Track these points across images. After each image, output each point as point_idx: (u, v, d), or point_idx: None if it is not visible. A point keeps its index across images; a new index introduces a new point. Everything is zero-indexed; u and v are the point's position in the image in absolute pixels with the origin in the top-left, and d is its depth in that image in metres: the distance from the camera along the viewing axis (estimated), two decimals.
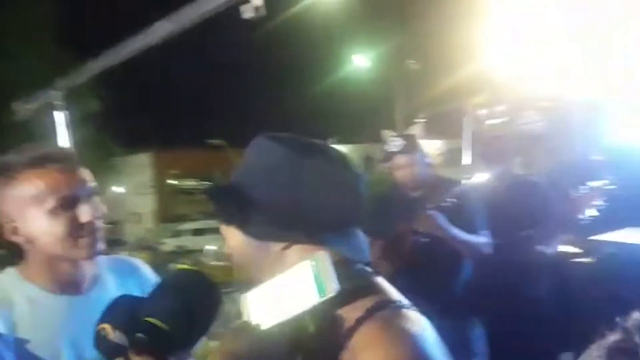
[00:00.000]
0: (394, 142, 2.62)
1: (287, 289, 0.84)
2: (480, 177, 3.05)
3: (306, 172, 0.90)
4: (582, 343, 0.72)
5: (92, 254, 1.23)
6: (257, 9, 1.99)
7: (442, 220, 2.39)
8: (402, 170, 2.60)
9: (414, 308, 0.88)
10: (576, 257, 2.62)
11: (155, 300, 0.92)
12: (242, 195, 0.91)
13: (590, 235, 2.58)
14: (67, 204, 1.18)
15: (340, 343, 0.82)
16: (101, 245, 1.22)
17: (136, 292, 1.33)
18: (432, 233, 2.39)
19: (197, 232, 22.06)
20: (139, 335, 0.87)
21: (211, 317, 0.93)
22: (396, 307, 0.85)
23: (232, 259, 0.97)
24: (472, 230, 2.49)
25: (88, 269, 1.27)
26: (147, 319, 0.88)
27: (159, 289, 0.94)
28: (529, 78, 3.85)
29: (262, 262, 0.93)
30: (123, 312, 0.92)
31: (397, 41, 18.36)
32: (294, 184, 0.89)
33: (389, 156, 2.63)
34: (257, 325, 0.84)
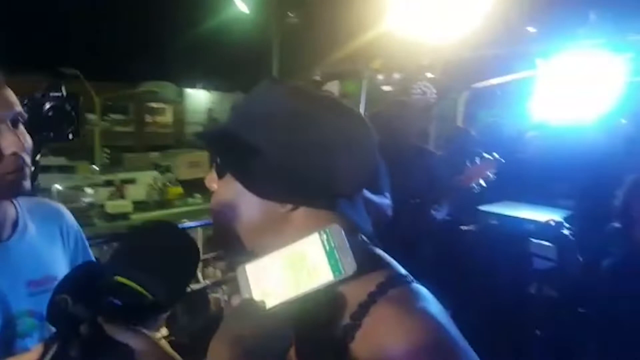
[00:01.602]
0: None
1: (294, 264, 0.75)
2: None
3: (322, 125, 0.79)
4: (462, 301, 0.74)
5: (16, 193, 1.02)
6: None
7: None
8: None
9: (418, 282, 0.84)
10: (464, 225, 2.82)
11: (123, 259, 0.78)
12: (249, 143, 0.79)
13: (479, 205, 2.79)
14: None
15: (352, 321, 0.75)
16: (27, 184, 1.01)
17: (59, 241, 1.15)
18: None
19: (43, 169, 20.21)
20: (111, 299, 0.74)
21: (188, 274, 0.82)
22: (407, 282, 0.79)
23: (219, 218, 0.84)
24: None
25: (7, 212, 1.07)
26: (119, 279, 0.75)
27: (127, 245, 0.81)
28: (426, 45, 3.97)
29: (261, 224, 0.81)
30: (85, 280, 0.78)
31: None
32: (309, 137, 0.78)
33: None
34: (262, 303, 0.74)
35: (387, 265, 0.83)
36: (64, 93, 1.31)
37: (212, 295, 3.65)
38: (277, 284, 0.75)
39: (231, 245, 0.85)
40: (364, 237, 0.86)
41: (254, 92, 0.85)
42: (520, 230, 2.66)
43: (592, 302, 2.33)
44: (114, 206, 16.66)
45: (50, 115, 1.27)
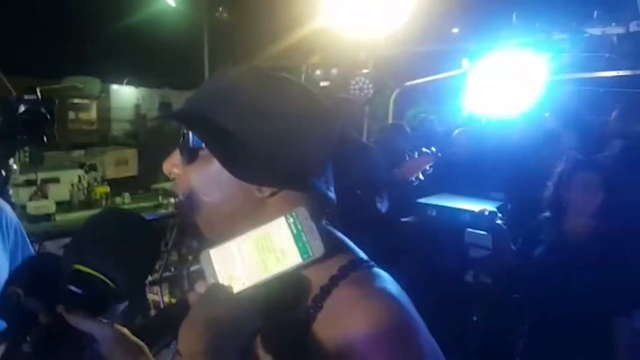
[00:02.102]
0: None
1: (261, 247, 0.74)
2: None
3: (291, 105, 0.79)
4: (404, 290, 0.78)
5: None
6: None
7: None
8: None
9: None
10: (404, 217, 2.89)
11: (81, 248, 0.75)
12: (228, 125, 0.77)
13: (418, 198, 2.87)
14: None
15: (314, 303, 0.75)
16: None
17: None
18: None
19: None
20: (71, 288, 0.70)
21: (148, 262, 0.79)
22: (369, 266, 0.80)
23: (190, 204, 0.81)
24: None
25: None
26: (78, 267, 0.72)
27: (84, 234, 0.77)
28: (361, 40, 4.03)
29: (236, 210, 0.79)
30: (38, 271, 0.73)
31: None
32: (281, 119, 0.77)
33: None
34: (230, 287, 0.73)
35: (349, 249, 0.84)
36: (39, 96, 1.26)
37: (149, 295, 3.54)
38: (243, 268, 0.74)
39: (202, 232, 0.83)
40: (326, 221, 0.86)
41: (218, 77, 0.83)
42: (457, 221, 2.76)
43: (524, 288, 2.46)
44: (35, 207, 15.79)
45: (25, 119, 1.21)
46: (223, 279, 0.74)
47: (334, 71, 3.86)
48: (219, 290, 0.72)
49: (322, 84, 3.97)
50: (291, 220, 0.74)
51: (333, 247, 0.79)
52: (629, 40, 3.34)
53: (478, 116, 3.80)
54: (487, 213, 2.64)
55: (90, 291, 0.71)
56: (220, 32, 19.28)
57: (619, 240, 2.29)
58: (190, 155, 0.82)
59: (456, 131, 4.10)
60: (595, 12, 5.77)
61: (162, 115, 1.00)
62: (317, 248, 0.72)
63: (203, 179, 0.80)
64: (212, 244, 0.77)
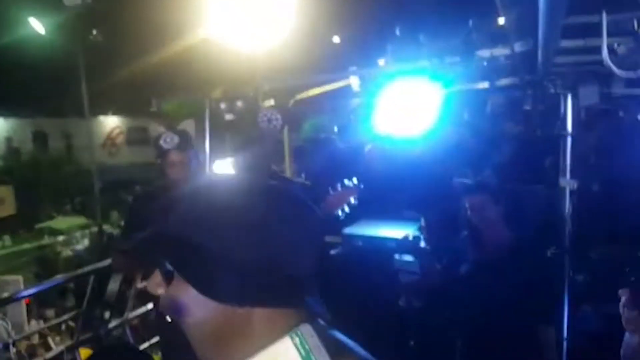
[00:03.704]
0: (168, 138, 2.47)
1: None
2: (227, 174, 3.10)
3: (267, 216, 0.75)
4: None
5: None
6: None
7: None
8: (176, 168, 2.48)
9: None
10: (334, 249, 2.92)
11: None
12: (198, 244, 0.73)
13: (343, 229, 2.90)
14: None
15: None
16: None
17: None
18: None
19: None
20: None
21: None
22: None
23: (175, 326, 0.78)
24: None
25: None
26: None
27: None
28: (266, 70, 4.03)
29: (220, 329, 0.75)
30: None
31: (78, 8, 16.70)
32: (258, 231, 0.74)
33: (163, 153, 2.47)
34: None
35: (352, 351, 0.81)
36: None
37: None
38: None
39: (198, 355, 0.79)
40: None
41: (188, 190, 0.80)
42: (384, 248, 2.83)
43: (454, 305, 2.58)
44: None
45: None
46: None
47: (239, 103, 3.82)
48: None
49: (228, 117, 3.91)
50: (297, 340, 0.72)
51: (337, 351, 0.76)
52: (513, 59, 3.66)
53: (383, 134, 3.94)
54: (411, 238, 2.74)
55: None
56: (96, 55, 18.36)
57: (524, 248, 2.51)
58: (167, 276, 0.78)
59: (367, 147, 4.20)
60: (471, 21, 6.22)
61: (133, 243, 0.88)
62: None
63: (183, 300, 0.76)
64: None
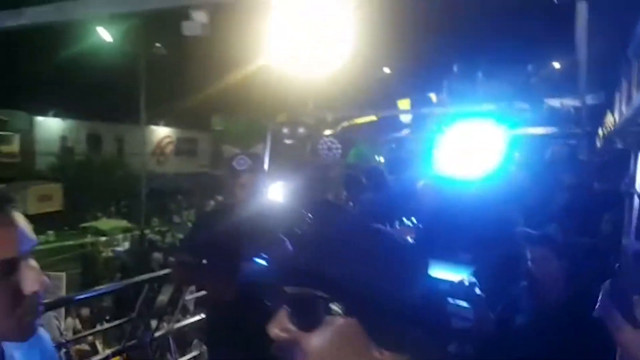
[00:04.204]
0: (240, 160, 2.54)
1: None
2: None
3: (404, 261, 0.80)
4: None
5: (29, 336, 0.87)
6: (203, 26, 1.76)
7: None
8: (245, 189, 2.54)
9: None
10: None
11: None
12: (372, 288, 0.75)
13: None
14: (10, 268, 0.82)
15: None
16: (39, 322, 0.86)
17: None
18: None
19: None
20: None
21: None
22: None
23: None
24: None
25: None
26: None
27: None
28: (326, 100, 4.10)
29: None
30: None
31: (144, 19, 17.38)
32: (407, 279, 0.78)
33: (235, 174, 2.54)
34: None
35: None
36: None
37: None
38: None
39: None
40: None
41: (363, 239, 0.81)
42: (437, 290, 2.79)
43: (507, 356, 2.52)
44: None
45: None
46: None
47: (300, 130, 3.90)
48: None
49: (287, 141, 3.98)
50: None
51: None
52: (582, 110, 3.63)
53: (440, 173, 3.92)
54: (467, 283, 2.70)
55: None
56: (157, 68, 19.01)
57: (583, 305, 2.43)
58: (312, 321, 0.78)
59: (420, 183, 4.18)
60: (530, 66, 6.16)
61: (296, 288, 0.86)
62: None
63: (329, 347, 0.76)
64: None
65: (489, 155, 3.71)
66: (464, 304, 2.74)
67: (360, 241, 0.81)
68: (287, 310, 0.79)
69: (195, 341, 3.85)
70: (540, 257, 2.52)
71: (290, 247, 2.44)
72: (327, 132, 4.03)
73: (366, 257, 0.78)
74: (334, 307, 0.76)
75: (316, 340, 0.76)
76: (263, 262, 2.42)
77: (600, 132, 4.16)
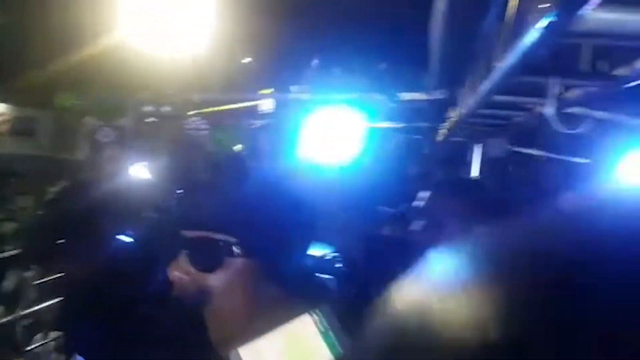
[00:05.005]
0: (104, 132, 2.42)
1: (290, 345, 0.80)
2: None
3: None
4: None
5: None
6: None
7: None
8: (111, 163, 2.43)
9: None
10: None
11: None
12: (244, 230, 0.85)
13: None
14: None
15: None
16: None
17: None
18: None
19: None
20: None
21: None
22: None
23: (210, 302, 0.83)
24: None
25: None
26: None
27: None
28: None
29: (247, 312, 0.87)
30: None
31: None
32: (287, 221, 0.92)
33: (99, 146, 2.41)
34: None
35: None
36: None
37: None
38: None
39: (211, 335, 0.85)
40: None
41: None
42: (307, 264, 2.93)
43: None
44: None
45: None
46: None
47: (166, 108, 3.78)
48: None
49: (149, 119, 3.85)
50: (316, 317, 0.81)
51: None
52: (432, 104, 4.00)
53: (309, 159, 4.08)
54: (329, 257, 2.88)
55: None
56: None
57: None
58: (212, 263, 0.84)
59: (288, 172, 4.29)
60: (381, 65, 6.61)
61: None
62: (346, 344, 0.81)
63: (229, 286, 0.85)
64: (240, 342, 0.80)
65: (349, 143, 3.94)
66: (327, 276, 2.91)
67: (260, 192, 0.88)
68: (187, 253, 0.84)
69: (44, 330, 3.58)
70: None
71: (157, 223, 2.40)
72: (194, 112, 3.97)
73: (266, 206, 0.85)
74: (235, 249, 0.83)
75: (216, 280, 0.83)
76: (128, 239, 2.35)
77: (444, 125, 4.63)
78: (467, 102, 3.17)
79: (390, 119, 4.70)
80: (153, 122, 3.85)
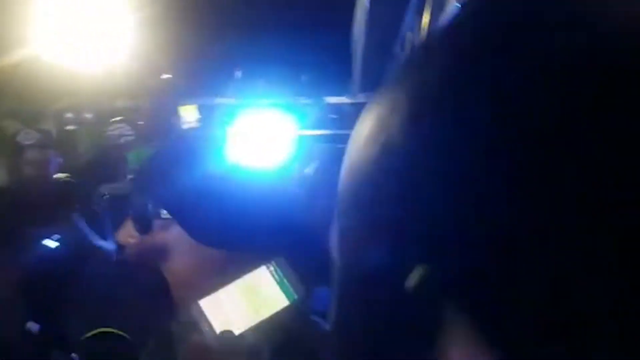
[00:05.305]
0: (26, 134, 2.33)
1: (248, 294, 0.83)
2: None
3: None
4: None
5: None
6: None
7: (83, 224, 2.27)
8: (34, 166, 2.33)
9: None
10: None
11: None
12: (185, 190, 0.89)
13: None
14: None
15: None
16: None
17: None
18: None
19: None
20: None
21: None
22: None
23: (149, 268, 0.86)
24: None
25: None
26: None
27: None
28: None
29: (203, 268, 0.88)
30: None
31: None
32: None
33: (20, 149, 2.31)
34: (231, 332, 0.80)
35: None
36: None
37: None
38: (236, 315, 0.83)
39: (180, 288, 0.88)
40: None
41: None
42: None
43: None
44: None
45: None
46: (217, 327, 0.81)
47: (87, 115, 3.66)
48: (227, 337, 0.79)
49: (69, 127, 3.72)
50: (272, 268, 0.86)
51: None
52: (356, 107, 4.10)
53: (236, 165, 4.09)
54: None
55: None
56: None
57: None
58: (146, 225, 0.87)
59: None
60: (303, 77, 6.74)
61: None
62: (301, 289, 0.86)
63: (162, 245, 0.88)
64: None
65: (278, 146, 3.99)
66: None
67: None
68: (131, 218, 0.89)
69: None
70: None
71: (83, 225, 2.34)
72: (118, 118, 3.87)
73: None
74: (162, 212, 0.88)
75: (157, 239, 0.86)
76: (54, 244, 2.28)
77: None
78: None
79: (321, 125, 4.79)
80: (74, 129, 3.74)
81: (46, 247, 2.34)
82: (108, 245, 2.19)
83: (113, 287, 0.92)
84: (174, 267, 0.88)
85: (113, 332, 0.78)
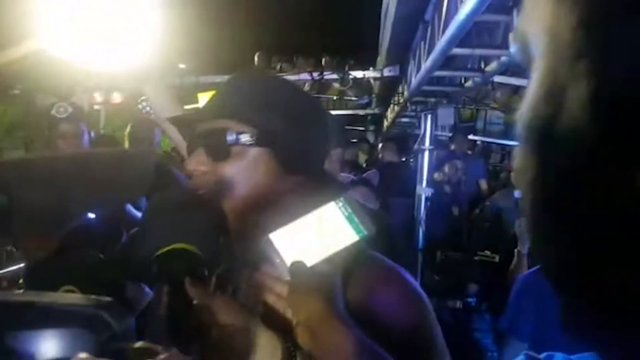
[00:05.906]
0: (60, 107, 2.33)
1: (318, 229, 0.83)
2: None
3: (318, 108, 0.96)
4: None
5: None
6: None
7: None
8: (68, 140, 2.33)
9: None
10: None
11: None
12: (276, 122, 0.87)
13: None
14: None
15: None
16: None
17: None
18: None
19: None
20: None
21: None
22: None
23: (220, 195, 0.86)
24: None
25: None
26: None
27: None
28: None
29: (273, 197, 0.87)
30: None
31: None
32: (314, 118, 0.92)
33: (55, 123, 2.32)
34: (304, 264, 0.81)
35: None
36: None
37: None
38: (306, 248, 0.83)
39: (231, 222, 0.88)
40: None
41: (255, 83, 0.93)
42: None
43: None
44: None
45: None
46: (288, 260, 0.82)
47: (116, 95, 3.68)
48: (299, 268, 0.79)
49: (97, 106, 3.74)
50: (340, 204, 0.85)
51: None
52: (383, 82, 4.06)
53: None
54: None
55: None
56: None
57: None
58: (223, 152, 0.87)
59: None
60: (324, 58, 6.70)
61: (198, 114, 1.02)
62: (369, 226, 0.86)
63: (240, 172, 0.87)
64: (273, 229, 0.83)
65: None
66: None
67: None
68: (202, 146, 0.88)
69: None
70: (361, 194, 2.85)
71: (122, 198, 2.35)
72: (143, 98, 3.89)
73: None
74: (243, 138, 0.88)
75: (230, 168, 0.87)
76: (92, 217, 2.30)
77: (392, 106, 4.72)
78: (414, 78, 3.29)
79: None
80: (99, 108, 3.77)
81: (86, 219, 2.37)
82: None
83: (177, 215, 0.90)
84: (237, 198, 0.88)
85: (186, 248, 0.79)
